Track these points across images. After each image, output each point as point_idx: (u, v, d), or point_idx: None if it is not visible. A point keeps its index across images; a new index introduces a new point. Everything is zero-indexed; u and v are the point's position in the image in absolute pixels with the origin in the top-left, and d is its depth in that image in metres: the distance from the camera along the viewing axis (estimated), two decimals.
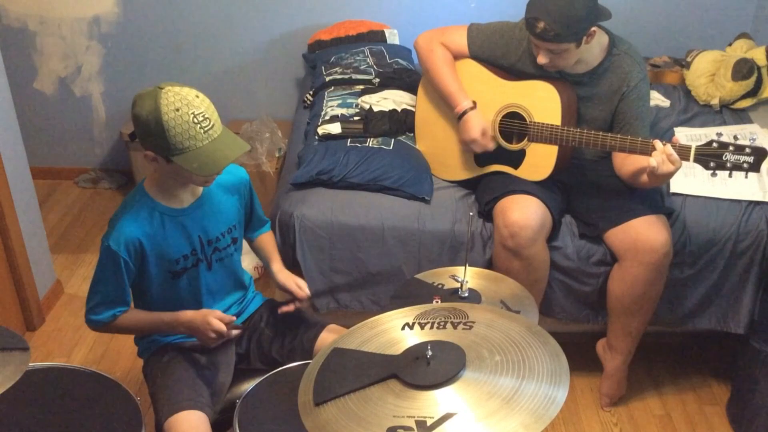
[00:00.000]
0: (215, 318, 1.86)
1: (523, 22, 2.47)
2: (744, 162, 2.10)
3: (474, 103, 2.50)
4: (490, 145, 2.49)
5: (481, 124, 2.47)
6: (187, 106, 1.67)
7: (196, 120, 1.67)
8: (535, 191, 2.43)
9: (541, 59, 2.32)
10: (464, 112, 2.48)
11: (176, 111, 1.65)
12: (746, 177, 2.14)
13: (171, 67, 3.71)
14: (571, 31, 2.23)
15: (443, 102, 2.59)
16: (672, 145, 2.15)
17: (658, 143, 2.16)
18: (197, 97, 1.70)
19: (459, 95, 2.50)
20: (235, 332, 1.94)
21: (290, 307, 2.02)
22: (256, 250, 2.16)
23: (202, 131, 1.68)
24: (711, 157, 2.13)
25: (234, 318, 1.92)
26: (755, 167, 2.10)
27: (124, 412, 1.75)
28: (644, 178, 2.29)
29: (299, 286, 2.01)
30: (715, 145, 2.12)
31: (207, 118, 1.69)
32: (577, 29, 2.23)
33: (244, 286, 2.10)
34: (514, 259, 2.38)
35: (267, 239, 2.16)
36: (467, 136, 2.48)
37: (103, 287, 1.85)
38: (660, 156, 2.14)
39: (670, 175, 2.17)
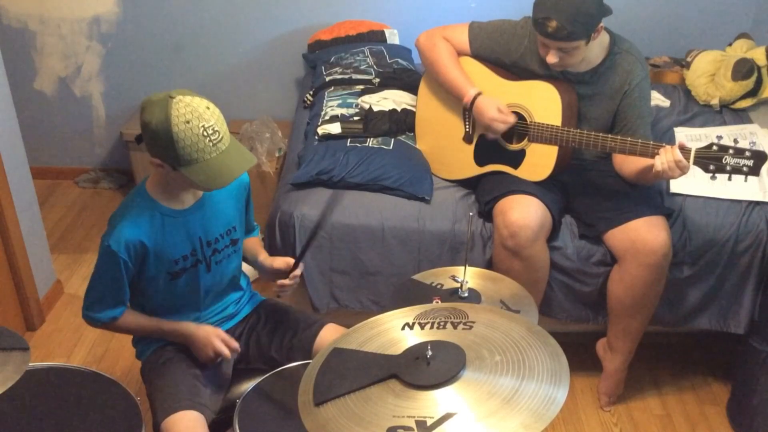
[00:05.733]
0: (219, 340, 1.89)
1: (525, 21, 2.48)
2: (744, 165, 2.10)
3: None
4: (511, 118, 2.44)
5: (495, 103, 2.44)
6: (198, 118, 1.66)
7: (205, 133, 1.67)
8: (535, 191, 2.43)
9: (551, 59, 2.30)
10: (474, 99, 2.47)
11: (186, 123, 1.65)
12: (746, 180, 2.14)
13: (171, 67, 3.71)
14: (583, 28, 2.22)
15: (448, 97, 2.58)
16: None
17: (666, 148, 2.16)
18: (208, 108, 1.69)
19: (466, 85, 2.49)
20: (234, 348, 1.95)
21: (285, 281, 1.96)
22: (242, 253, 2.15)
23: (211, 144, 1.67)
24: (711, 160, 2.13)
25: (238, 348, 1.94)
26: (755, 171, 2.09)
27: (124, 412, 1.75)
28: (646, 176, 2.29)
29: (286, 262, 1.99)
30: (715, 148, 2.12)
31: (216, 131, 1.68)
32: (588, 26, 2.23)
33: (241, 288, 2.10)
34: (514, 259, 2.38)
35: (253, 241, 2.15)
36: (485, 118, 2.45)
37: (101, 286, 1.86)
38: (667, 163, 2.14)
39: (676, 178, 2.18)
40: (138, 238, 1.80)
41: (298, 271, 1.98)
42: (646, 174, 2.29)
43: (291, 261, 1.99)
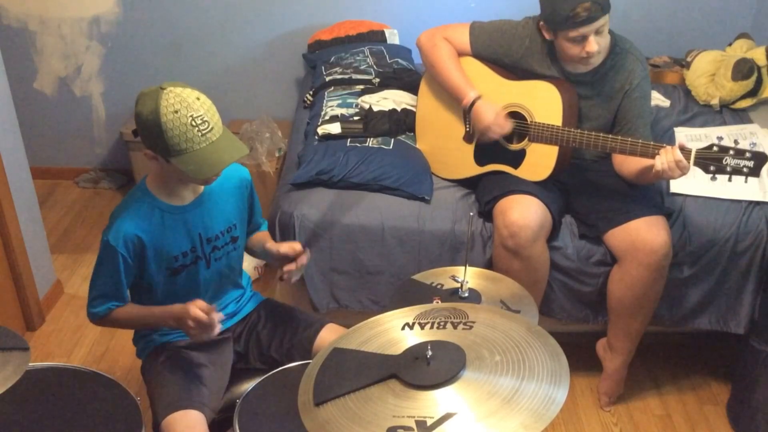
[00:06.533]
0: (195, 307, 1.78)
1: (526, 21, 2.48)
2: (744, 166, 2.10)
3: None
4: (507, 126, 2.45)
5: (493, 109, 2.45)
6: (187, 108, 1.67)
7: (194, 123, 1.67)
8: (535, 191, 2.43)
9: (592, 47, 2.27)
10: (473, 103, 2.48)
11: (175, 113, 1.66)
12: (746, 181, 2.14)
13: (171, 67, 3.71)
14: None
15: (448, 96, 2.58)
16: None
17: (666, 149, 2.16)
18: (198, 99, 1.70)
19: (466, 87, 2.50)
20: (219, 318, 1.82)
21: (291, 266, 1.95)
22: (249, 247, 2.13)
23: (199, 134, 1.68)
24: (711, 161, 2.13)
25: (214, 306, 1.83)
26: (755, 172, 2.09)
27: (124, 412, 1.75)
28: (645, 176, 2.29)
29: (292, 247, 1.97)
30: (715, 148, 2.12)
31: (206, 121, 1.69)
32: None
33: (241, 286, 2.10)
34: (514, 259, 2.38)
35: (262, 234, 2.14)
36: (482, 124, 2.46)
37: (100, 281, 1.87)
38: (667, 163, 2.14)
39: (676, 178, 2.18)
40: (137, 233, 1.81)
41: (304, 258, 1.97)
42: (645, 174, 2.29)
43: (297, 245, 1.98)
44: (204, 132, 1.68)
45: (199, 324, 1.80)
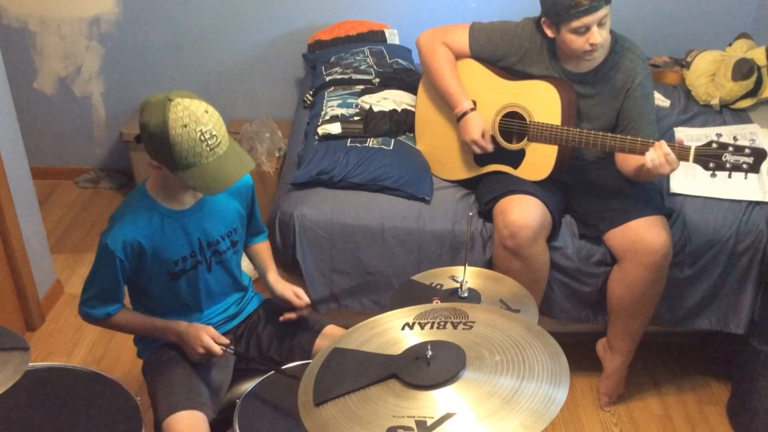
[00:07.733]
0: (208, 336, 1.87)
1: (525, 22, 2.48)
2: (743, 163, 2.10)
3: (474, 104, 2.50)
4: (489, 147, 2.49)
5: (481, 125, 2.47)
6: (195, 122, 1.65)
7: (203, 137, 1.66)
8: (535, 191, 2.43)
9: (596, 38, 2.27)
10: (464, 113, 2.48)
11: (184, 127, 1.64)
12: (745, 178, 2.14)
13: (171, 67, 3.71)
14: None
15: (444, 102, 2.59)
16: (672, 146, 2.16)
17: (655, 145, 2.17)
18: (206, 112, 1.68)
19: (460, 96, 2.50)
20: (228, 351, 1.93)
21: (292, 315, 2.01)
22: (251, 257, 2.15)
23: (208, 149, 1.67)
24: (710, 158, 2.13)
25: (229, 342, 1.92)
26: (754, 168, 2.10)
27: (124, 412, 1.75)
28: (641, 173, 2.30)
29: (298, 295, 2.00)
30: (714, 145, 2.12)
31: (214, 135, 1.68)
32: None
33: (243, 288, 2.10)
34: (514, 259, 2.38)
35: (263, 248, 2.15)
36: (467, 137, 2.49)
37: (97, 283, 1.87)
38: (657, 158, 2.15)
39: (667, 174, 2.19)
40: (135, 238, 1.81)
41: (305, 312, 2.01)
42: (642, 171, 2.29)
43: (304, 296, 2.00)
44: (212, 146, 1.68)
45: (207, 352, 1.87)
